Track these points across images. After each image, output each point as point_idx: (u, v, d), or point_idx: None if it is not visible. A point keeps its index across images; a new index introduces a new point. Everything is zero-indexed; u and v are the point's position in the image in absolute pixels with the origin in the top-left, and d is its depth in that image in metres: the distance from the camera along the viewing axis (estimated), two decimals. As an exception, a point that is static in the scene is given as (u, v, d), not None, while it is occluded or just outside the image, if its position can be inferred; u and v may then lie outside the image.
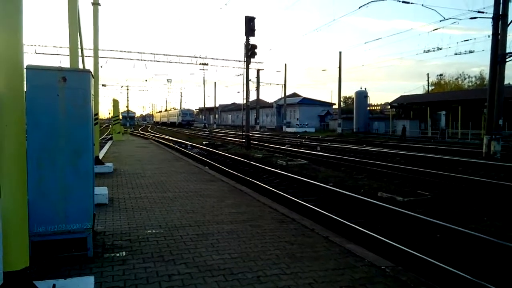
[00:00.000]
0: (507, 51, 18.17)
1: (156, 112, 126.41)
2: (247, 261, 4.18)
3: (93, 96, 4.51)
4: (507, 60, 18.22)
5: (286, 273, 3.86)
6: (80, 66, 8.44)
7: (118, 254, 4.34)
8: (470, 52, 28.89)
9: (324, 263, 4.13)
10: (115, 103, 27.65)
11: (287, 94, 63.27)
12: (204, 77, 73.75)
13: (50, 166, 4.01)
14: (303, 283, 3.63)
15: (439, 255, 5.31)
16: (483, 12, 19.50)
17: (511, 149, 20.87)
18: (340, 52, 45.93)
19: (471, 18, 19.80)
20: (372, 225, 6.91)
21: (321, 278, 3.76)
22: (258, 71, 50.04)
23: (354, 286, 3.58)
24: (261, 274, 3.84)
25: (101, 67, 38.53)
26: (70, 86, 4.05)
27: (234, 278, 3.71)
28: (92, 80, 4.54)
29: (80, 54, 8.40)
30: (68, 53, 8.19)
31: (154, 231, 5.22)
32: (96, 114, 10.58)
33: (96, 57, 10.98)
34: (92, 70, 10.46)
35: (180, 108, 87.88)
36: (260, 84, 52.29)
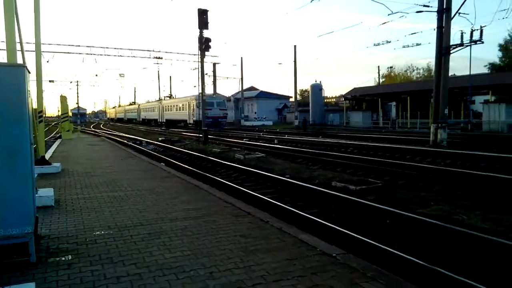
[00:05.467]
0: (451, 44, 19.10)
1: (129, 104, 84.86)
2: (200, 257, 4.11)
3: (29, 92, 4.22)
4: (451, 52, 19.17)
5: (239, 267, 3.84)
6: (20, 61, 7.92)
7: (63, 258, 4.13)
8: (417, 45, 30.30)
9: (277, 255, 4.15)
10: (63, 99, 26.40)
11: (244, 87, 63.25)
12: (158, 71, 71.80)
13: (-18, 168, 3.72)
14: (256, 276, 3.62)
15: (389, 240, 5.49)
16: (428, 6, 20.37)
17: (456, 137, 22.08)
18: (294, 46, 46.62)
19: (417, 12, 20.62)
20: (326, 214, 7.05)
21: (273, 269, 3.76)
22: (214, 64, 49.48)
23: (306, 275, 3.62)
24: (214, 270, 3.79)
25: (47, 62, 36.74)
26: (2, 82, 3.79)
27: (186, 276, 3.64)
28: (29, 75, 4.26)
29: (19, 48, 7.87)
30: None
31: (103, 232, 5.01)
32: (40, 111, 10.00)
33: (38, 51, 10.31)
34: (34, 65, 9.91)
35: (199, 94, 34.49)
36: (217, 78, 51.74)
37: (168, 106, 53.22)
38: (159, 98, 68.92)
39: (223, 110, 43.53)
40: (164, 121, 53.35)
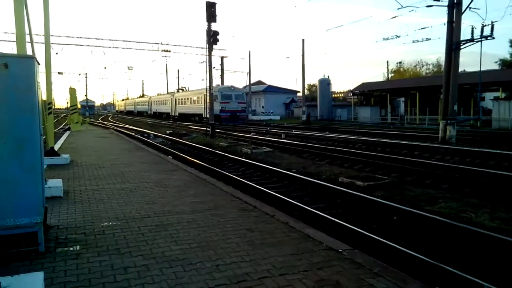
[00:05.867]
0: (461, 39, 18.85)
1: (139, 97, 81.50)
2: (206, 250, 4.14)
3: (39, 84, 4.25)
4: (461, 47, 18.92)
5: (246, 261, 3.85)
6: (29, 53, 7.97)
7: (71, 248, 4.19)
8: (427, 39, 29.81)
9: (283, 249, 4.16)
10: (72, 91, 26.56)
11: (252, 81, 62.92)
12: (166, 64, 71.82)
13: (-8, 159, 3.77)
14: (262, 270, 3.63)
15: (396, 237, 5.48)
16: (439, 0, 20.03)
17: (465, 134, 21.86)
18: (303, 40, 46.15)
19: (427, 6, 20.25)
20: (333, 209, 7.04)
21: (279, 263, 3.77)
22: (222, 58, 49.33)
23: (311, 270, 3.62)
24: (220, 262, 3.81)
25: (56, 54, 36.90)
26: (13, 73, 3.82)
27: (192, 268, 3.66)
28: (38, 66, 4.29)
29: (29, 40, 7.92)
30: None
31: (110, 223, 5.06)
32: (50, 103, 10.08)
33: (47, 43, 10.37)
34: (44, 57, 9.97)
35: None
36: (224, 71, 51.55)
37: (182, 99, 49.49)
38: (167, 90, 68.14)
39: (242, 103, 39.66)
40: (177, 115, 49.95)
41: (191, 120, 44.29)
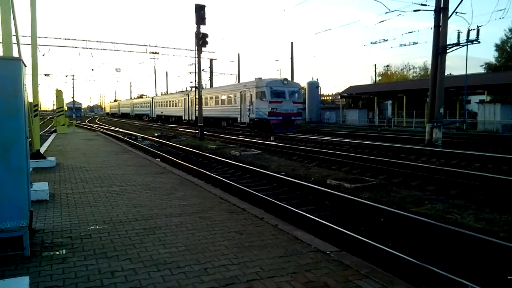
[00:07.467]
0: (447, 43, 19.14)
1: (138, 97, 71.66)
2: (194, 253, 4.12)
3: (25, 86, 4.20)
4: (447, 51, 19.21)
5: (234, 263, 3.85)
6: (16, 54, 7.87)
7: (57, 252, 4.13)
8: (414, 43, 30.42)
9: (272, 251, 4.17)
10: (59, 93, 26.27)
11: (241, 84, 62.84)
12: (155, 67, 71.36)
13: (-23, 162, 3.71)
14: (250, 272, 3.64)
15: (383, 238, 5.53)
16: (425, 5, 20.35)
17: (451, 136, 22.17)
18: (292, 43, 46.67)
19: (414, 11, 20.55)
20: (321, 211, 7.08)
21: (268, 266, 3.78)
22: (211, 60, 49.39)
23: (300, 272, 3.64)
24: (208, 265, 3.80)
25: (43, 55, 36.43)
26: (-2, 75, 3.76)
27: (180, 272, 3.65)
28: (24, 68, 4.24)
29: (15, 41, 7.81)
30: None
31: (97, 227, 5.01)
32: (36, 105, 9.94)
33: (34, 44, 10.24)
34: (30, 59, 9.84)
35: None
36: (214, 74, 51.62)
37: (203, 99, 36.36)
38: (155, 92, 67.00)
39: (297, 103, 29.47)
40: (194, 118, 35.60)
41: (213, 126, 34.69)
